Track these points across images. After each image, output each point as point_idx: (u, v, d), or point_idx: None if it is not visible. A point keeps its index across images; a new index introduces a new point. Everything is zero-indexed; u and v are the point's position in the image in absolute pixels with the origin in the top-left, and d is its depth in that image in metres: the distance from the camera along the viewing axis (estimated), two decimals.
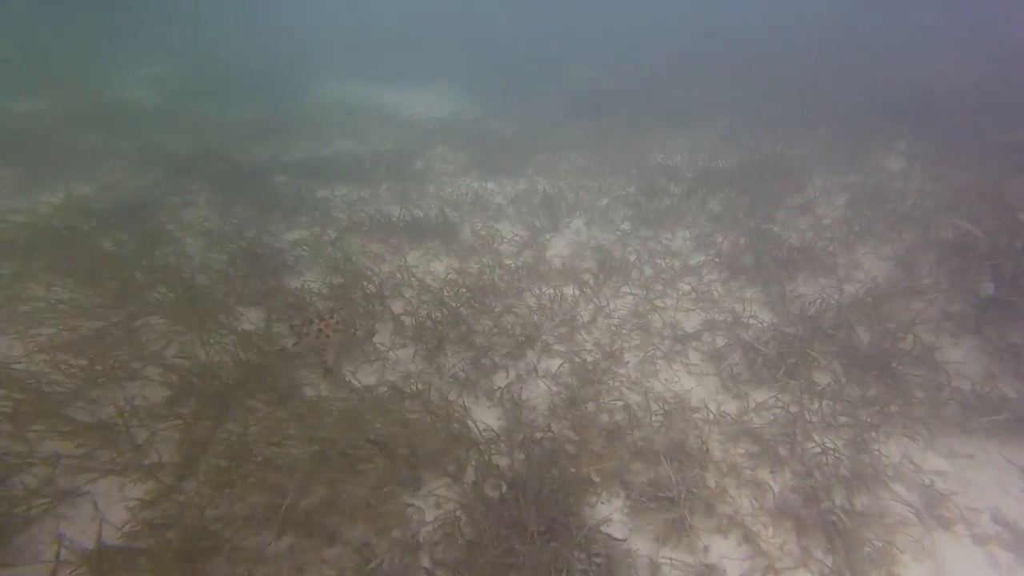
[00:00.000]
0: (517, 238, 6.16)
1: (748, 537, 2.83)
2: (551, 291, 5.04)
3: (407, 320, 4.48)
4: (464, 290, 4.91)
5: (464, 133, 10.38)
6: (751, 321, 4.61)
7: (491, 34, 20.37)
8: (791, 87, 11.45)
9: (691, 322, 4.68)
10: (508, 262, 5.59)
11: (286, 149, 9.05)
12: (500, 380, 3.95)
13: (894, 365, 3.92)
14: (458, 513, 2.85)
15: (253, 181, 7.32)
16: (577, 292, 5.04)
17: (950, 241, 5.23)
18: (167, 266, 4.97)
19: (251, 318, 4.49)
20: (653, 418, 3.58)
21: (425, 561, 2.64)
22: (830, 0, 20.00)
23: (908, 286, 4.82)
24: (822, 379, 3.94)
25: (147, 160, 7.93)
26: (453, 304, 4.63)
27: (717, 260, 5.59)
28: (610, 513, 2.94)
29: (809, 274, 5.23)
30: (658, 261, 5.64)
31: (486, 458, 3.14)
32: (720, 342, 4.40)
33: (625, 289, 5.11)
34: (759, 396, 3.82)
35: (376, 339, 4.29)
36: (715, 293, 5.04)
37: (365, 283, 4.87)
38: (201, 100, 11.85)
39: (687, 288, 5.12)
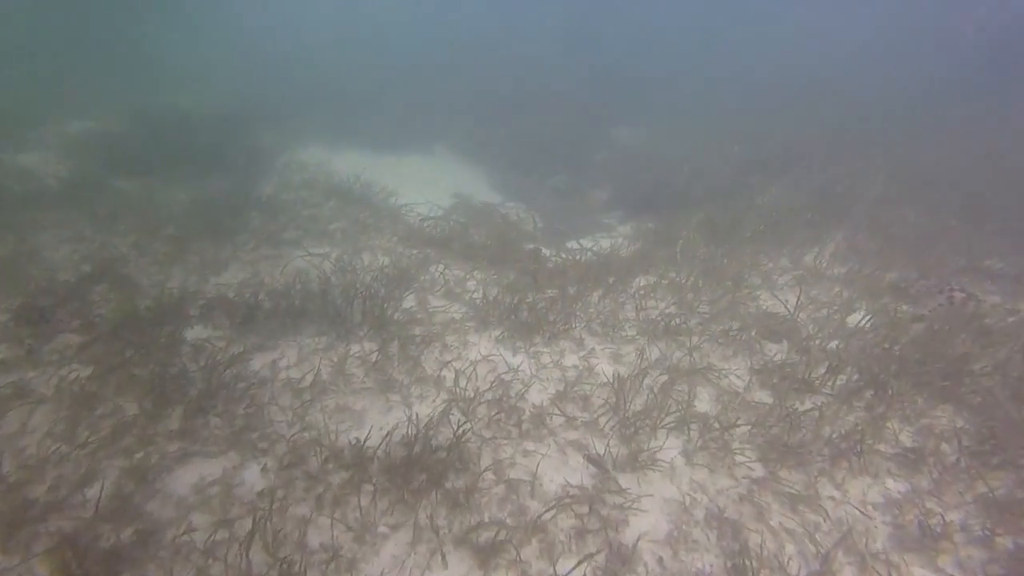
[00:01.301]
0: (575, 491, 3.95)
1: None
2: None
3: None
4: None
5: (473, 235, 8.30)
6: None
7: (510, 84, 18.70)
8: (927, 175, 9.46)
9: None
10: (569, 567, 3.36)
11: (224, 265, 6.94)
12: None
13: None
14: None
15: (152, 338, 5.17)
16: None
17: None
18: None
19: None
20: None
21: None
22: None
23: None
24: None
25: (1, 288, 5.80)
26: None
27: None
28: None
29: None
30: None
31: None
32: None
33: None
34: None
35: None
36: None
37: None
38: (130, 172, 9.86)
39: None
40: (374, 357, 5.28)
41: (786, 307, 6.11)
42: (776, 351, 5.48)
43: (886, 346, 5.19)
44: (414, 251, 7.68)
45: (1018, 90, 15.34)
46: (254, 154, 11.53)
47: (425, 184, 11.25)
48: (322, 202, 9.07)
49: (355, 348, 5.46)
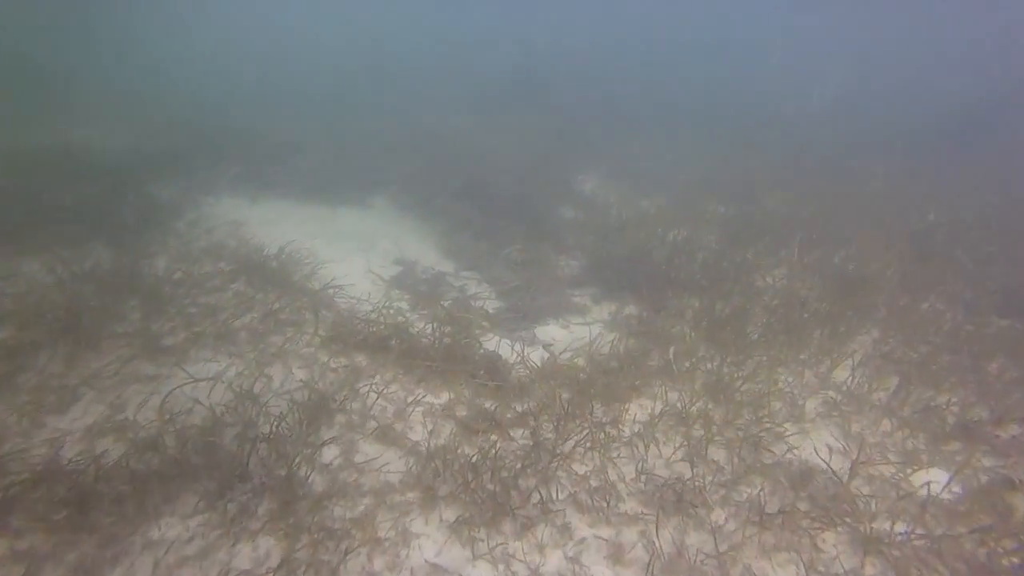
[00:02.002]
0: None
1: None
2: None
3: None
4: None
5: (418, 328, 6.78)
6: None
7: (458, 126, 17.36)
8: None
9: None
10: None
11: (73, 394, 5.22)
12: None
13: None
14: None
15: None
16: None
17: None
18: None
19: None
20: None
21: None
22: None
23: None
24: None
25: None
26: None
27: None
28: None
29: None
30: None
31: None
32: None
33: None
34: None
35: None
36: None
37: None
38: None
39: None
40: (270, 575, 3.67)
41: (828, 465, 4.77)
42: (834, 546, 4.11)
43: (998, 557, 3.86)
44: (341, 360, 6.11)
45: None
46: (152, 210, 9.73)
47: (362, 247, 9.66)
48: (227, 284, 7.37)
49: (243, 551, 3.85)
